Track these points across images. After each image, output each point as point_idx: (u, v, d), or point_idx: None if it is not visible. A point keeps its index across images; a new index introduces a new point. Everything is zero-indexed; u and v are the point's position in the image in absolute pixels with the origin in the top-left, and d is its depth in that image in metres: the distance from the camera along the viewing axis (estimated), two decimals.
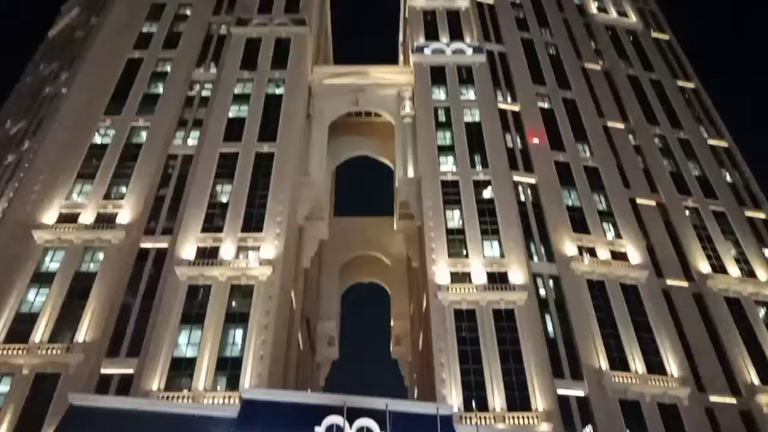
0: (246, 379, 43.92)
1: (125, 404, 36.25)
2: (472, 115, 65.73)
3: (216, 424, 33.28)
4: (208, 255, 50.95)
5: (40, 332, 45.25)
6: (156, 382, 43.50)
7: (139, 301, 48.98)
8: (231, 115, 62.52)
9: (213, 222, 53.36)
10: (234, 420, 34.08)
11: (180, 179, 57.16)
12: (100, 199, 54.12)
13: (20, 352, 43.85)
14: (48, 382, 42.89)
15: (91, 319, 46.29)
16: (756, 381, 50.36)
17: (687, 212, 62.57)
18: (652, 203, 62.56)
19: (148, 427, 32.81)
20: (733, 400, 49.60)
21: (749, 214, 63.94)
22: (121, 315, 47.96)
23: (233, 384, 43.76)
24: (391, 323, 77.87)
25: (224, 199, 55.44)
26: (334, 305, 78.25)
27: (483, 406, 44.28)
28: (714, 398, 49.38)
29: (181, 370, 44.60)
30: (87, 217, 52.83)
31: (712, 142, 71.44)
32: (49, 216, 52.56)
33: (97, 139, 59.55)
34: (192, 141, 60.90)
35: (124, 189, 55.34)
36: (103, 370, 44.88)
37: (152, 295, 49.05)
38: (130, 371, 44.84)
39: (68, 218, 52.62)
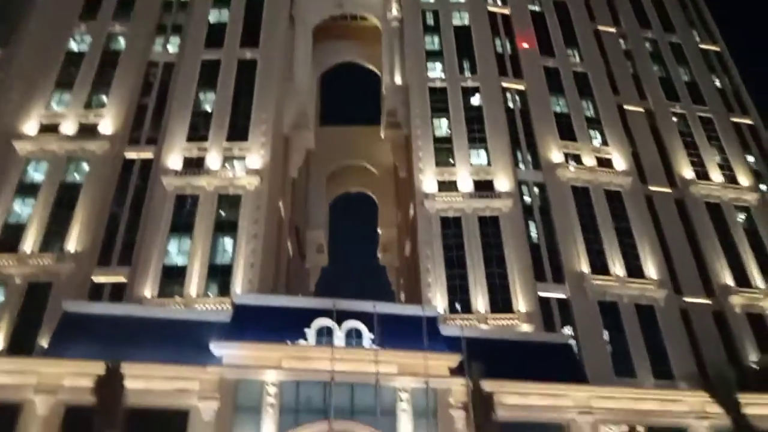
0: (237, 286, 44.97)
1: (119, 310, 37.09)
2: (461, 18, 63.80)
3: (209, 329, 34.15)
4: (194, 165, 50.68)
5: (29, 242, 45.63)
6: (148, 290, 44.45)
7: (127, 211, 49.21)
8: (211, 20, 60.25)
9: (198, 131, 52.68)
10: (227, 324, 35.04)
11: (162, 87, 55.87)
12: (81, 109, 53.04)
13: (11, 262, 44.40)
14: (41, 291, 43.68)
15: (79, 229, 46.58)
16: (731, 283, 52.37)
17: (674, 119, 62.53)
18: (640, 110, 62.36)
19: (142, 333, 33.64)
20: (707, 301, 51.74)
21: (735, 119, 64.03)
22: (110, 225, 48.32)
23: (224, 290, 44.84)
24: (379, 231, 78.99)
25: (208, 108, 54.53)
26: (323, 214, 78.96)
27: (467, 308, 45.95)
28: (689, 299, 51.47)
29: (173, 277, 45.50)
30: (68, 127, 51.92)
31: (703, 46, 70.27)
32: (30, 126, 51.60)
33: (74, 46, 57.56)
34: (172, 48, 59.01)
35: (104, 98, 54.09)
36: (95, 279, 45.73)
37: (140, 206, 49.23)
38: (122, 279, 45.72)
39: (49, 128, 51.73)
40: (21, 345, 40.38)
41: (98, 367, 26.69)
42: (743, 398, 32.70)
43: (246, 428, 31.36)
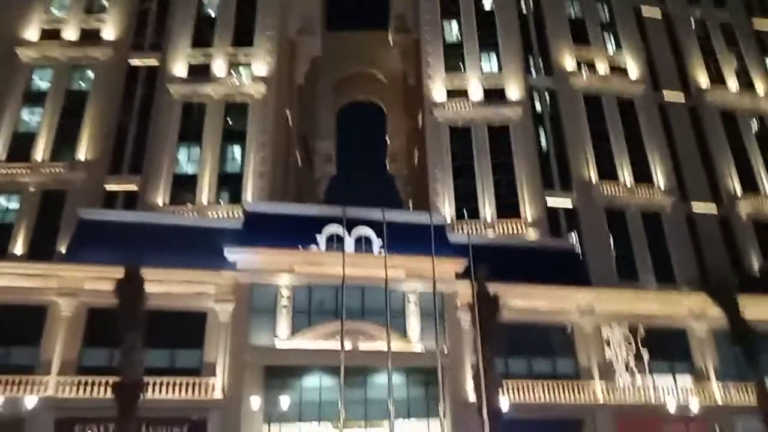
0: (248, 194, 45.51)
1: (133, 218, 37.89)
2: None
3: (222, 236, 34.95)
4: (200, 72, 49.93)
5: (40, 151, 45.95)
6: (160, 197, 45.10)
7: (135, 119, 49.15)
8: None
9: (202, 37, 51.50)
10: (239, 231, 35.83)
11: None
12: (81, 13, 51.80)
13: (24, 171, 44.91)
14: (55, 199, 44.38)
15: (89, 137, 46.72)
16: (739, 190, 52.45)
17: (693, 24, 60.31)
18: (658, 14, 60.06)
19: (157, 239, 34.45)
20: (714, 208, 52.05)
21: (758, 25, 61.74)
22: (119, 133, 48.41)
23: (235, 198, 45.43)
24: (387, 140, 78.60)
25: (212, 12, 53.02)
26: (330, 123, 78.24)
27: (474, 215, 46.48)
28: (696, 207, 51.76)
29: (184, 185, 46.01)
30: (70, 33, 50.91)
31: None
32: (31, 32, 50.63)
33: None
34: None
35: (105, 2, 52.64)
36: (108, 188, 46.37)
37: (147, 114, 49.09)
38: (134, 188, 46.34)
39: (51, 34, 50.74)
40: (40, 251, 41.50)
41: (117, 272, 27.58)
42: (742, 300, 33.65)
43: (261, 328, 32.81)
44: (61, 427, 28.69)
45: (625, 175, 50.31)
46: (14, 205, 44.58)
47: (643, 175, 50.78)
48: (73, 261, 33.31)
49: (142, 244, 32.58)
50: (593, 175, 49.67)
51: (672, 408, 34.24)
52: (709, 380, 36.49)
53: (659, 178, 50.91)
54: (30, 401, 28.17)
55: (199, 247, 33.52)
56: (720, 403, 35.68)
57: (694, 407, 34.27)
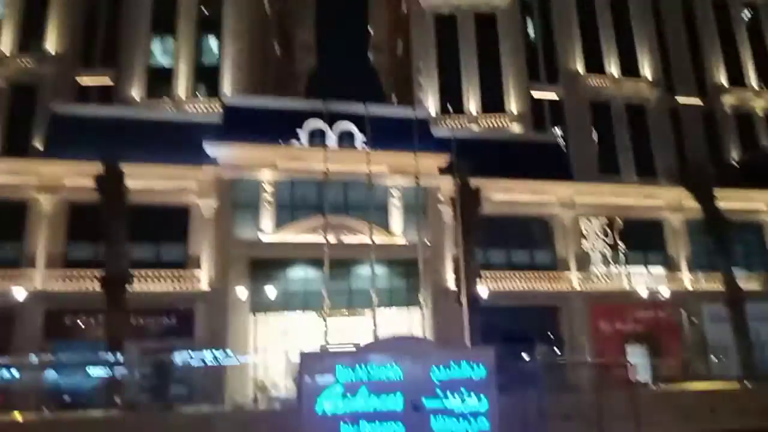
0: (226, 87, 44.31)
1: (109, 112, 36.89)
2: None
3: (201, 130, 34.29)
4: None
5: (6, 43, 43.74)
6: (136, 91, 43.79)
7: (105, 8, 46.60)
8: None
9: None
10: (218, 125, 35.17)
11: None
12: None
13: None
14: (26, 93, 42.84)
15: (57, 27, 44.41)
16: (725, 82, 52.05)
17: None
18: None
19: (134, 134, 33.77)
20: (698, 101, 51.82)
21: None
22: (89, 24, 46.02)
23: (213, 92, 44.25)
24: (370, 30, 75.94)
25: None
26: (310, 13, 75.15)
27: (459, 109, 45.96)
28: (681, 99, 51.47)
29: (160, 79, 44.51)
30: None
31: None
32: None
33: None
34: None
35: None
36: (81, 81, 44.77)
37: (118, 2, 46.51)
38: (108, 82, 44.78)
39: None
40: (16, 147, 40.64)
41: (97, 167, 27.22)
42: (718, 192, 34.31)
43: (245, 223, 33.06)
44: (52, 318, 29.42)
45: (612, 67, 49.54)
46: None
47: (630, 68, 50.09)
48: (50, 157, 32.75)
49: (119, 139, 31.99)
50: (580, 68, 48.85)
51: (643, 294, 35.78)
52: (681, 270, 37.96)
53: (646, 70, 50.23)
54: (19, 293, 28.70)
55: (178, 142, 32.94)
56: (690, 289, 37.33)
57: (665, 293, 35.84)
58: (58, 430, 16.70)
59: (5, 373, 25.21)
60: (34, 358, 26.55)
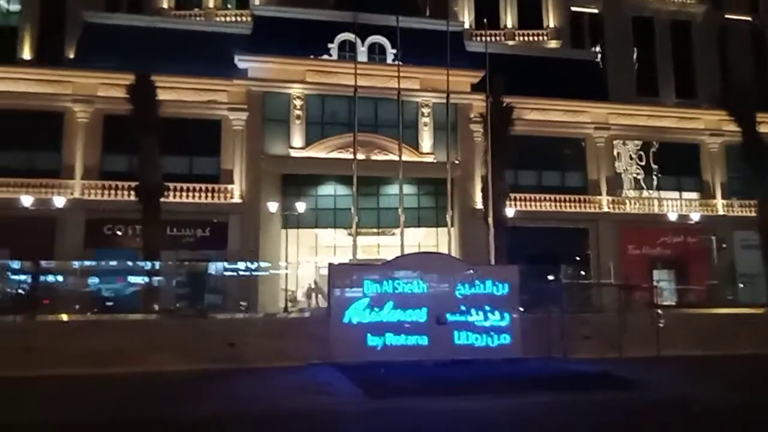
0: None
1: (140, 22, 36.49)
2: None
3: (231, 41, 33.95)
4: None
5: None
6: (166, 1, 43.03)
7: None
8: None
9: None
10: (248, 36, 34.72)
11: None
12: None
13: None
14: (57, 2, 42.39)
15: None
16: None
17: None
18: None
19: (165, 45, 33.54)
20: (748, 18, 49.02)
21: None
22: None
23: (243, 2, 43.28)
24: None
25: None
26: None
27: (494, 23, 44.25)
28: (730, 15, 48.70)
29: None
30: None
31: None
32: None
33: None
34: None
35: None
36: None
37: None
38: None
39: None
40: (48, 56, 40.69)
41: (129, 78, 27.32)
42: (760, 117, 33.08)
43: (276, 138, 33.23)
44: (92, 227, 30.49)
45: None
46: (15, 6, 42.90)
47: None
48: (83, 67, 32.86)
49: (151, 50, 31.75)
50: None
51: (674, 219, 35.45)
52: (715, 196, 37.30)
53: None
54: (59, 201, 29.70)
55: (209, 54, 32.69)
56: (722, 214, 36.83)
57: (696, 218, 35.45)
58: (100, 330, 17.72)
59: (50, 278, 26.53)
60: (76, 264, 27.78)
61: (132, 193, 27.12)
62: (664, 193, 36.93)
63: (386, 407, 12.27)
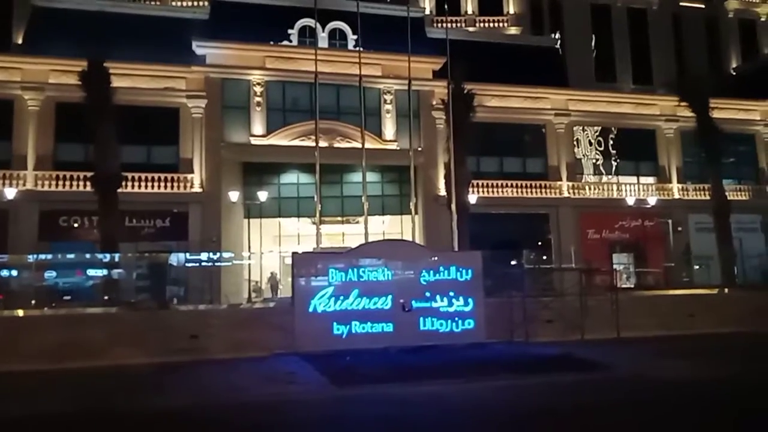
0: None
1: (92, 5, 35.29)
2: None
3: (188, 27, 33.13)
4: None
5: None
6: None
7: None
8: None
9: None
10: (206, 22, 33.98)
11: None
12: None
13: None
14: None
15: None
16: None
17: None
18: None
19: (119, 31, 32.54)
20: (701, 5, 50.21)
21: None
22: None
23: None
24: None
25: None
26: None
27: (455, 9, 44.32)
28: (684, 3, 49.80)
29: None
30: None
31: None
32: None
33: None
34: None
35: None
36: None
37: None
38: None
39: None
40: None
41: (81, 64, 26.40)
42: (713, 103, 33.98)
43: (236, 126, 32.69)
44: (46, 219, 29.55)
45: None
46: None
47: None
48: (32, 53, 31.67)
49: (104, 35, 30.66)
50: None
51: (632, 203, 36.27)
52: (671, 180, 38.28)
53: None
54: (10, 192, 28.69)
55: (165, 40, 31.82)
56: (677, 197, 37.84)
57: (653, 202, 36.35)
58: (58, 325, 17.20)
59: (3, 272, 25.66)
60: (31, 258, 26.92)
61: (88, 183, 26.34)
62: (622, 178, 37.74)
63: (352, 395, 12.26)
